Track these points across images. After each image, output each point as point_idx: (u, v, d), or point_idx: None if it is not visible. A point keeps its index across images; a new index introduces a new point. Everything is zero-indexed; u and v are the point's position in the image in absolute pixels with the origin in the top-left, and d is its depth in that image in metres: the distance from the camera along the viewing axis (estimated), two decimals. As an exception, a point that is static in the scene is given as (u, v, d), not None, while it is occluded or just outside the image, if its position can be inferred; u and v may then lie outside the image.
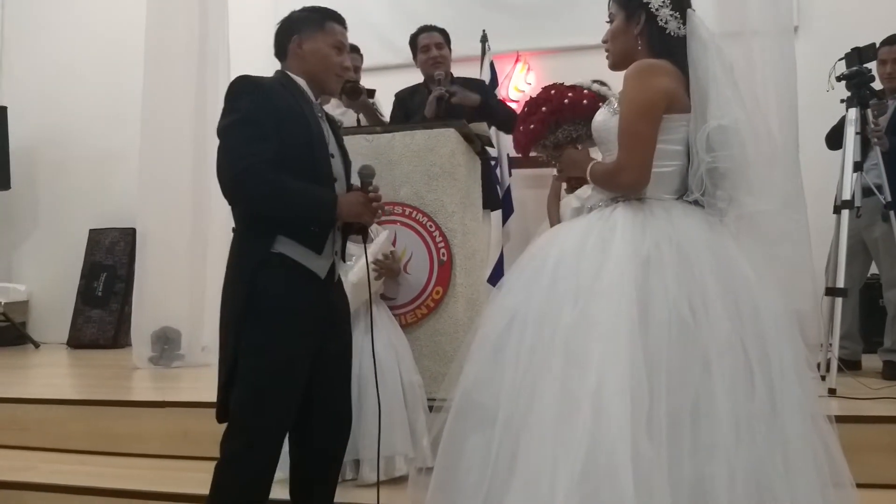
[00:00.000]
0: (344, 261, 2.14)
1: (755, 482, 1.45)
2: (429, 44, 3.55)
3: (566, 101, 1.89)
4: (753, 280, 1.63)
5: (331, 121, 2.15)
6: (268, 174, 1.86)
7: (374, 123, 3.41)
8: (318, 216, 1.94)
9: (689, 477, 1.42)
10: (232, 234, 2.01)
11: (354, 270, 2.59)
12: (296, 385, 1.93)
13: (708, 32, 1.77)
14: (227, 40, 4.32)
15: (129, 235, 5.59)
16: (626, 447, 1.38)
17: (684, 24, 1.78)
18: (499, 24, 4.95)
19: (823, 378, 3.07)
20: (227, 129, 1.91)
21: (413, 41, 3.64)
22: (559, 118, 1.90)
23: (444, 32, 3.62)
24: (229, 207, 1.99)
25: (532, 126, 1.91)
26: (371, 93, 3.41)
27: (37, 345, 5.51)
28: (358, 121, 3.47)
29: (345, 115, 3.46)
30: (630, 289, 1.55)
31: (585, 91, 1.93)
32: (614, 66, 1.89)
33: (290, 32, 2.06)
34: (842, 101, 3.43)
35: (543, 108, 1.90)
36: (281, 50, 2.08)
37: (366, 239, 2.16)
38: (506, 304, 1.73)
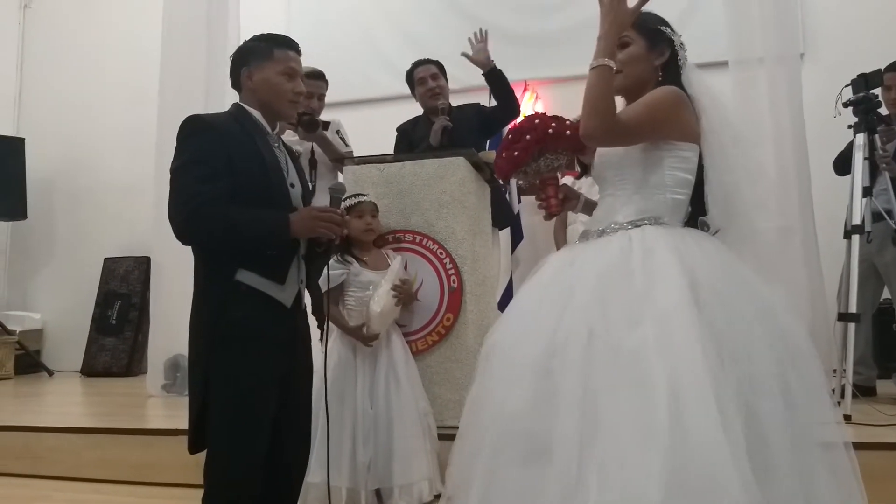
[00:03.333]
0: (308, 289, 2.16)
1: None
2: (425, 76, 3.64)
3: (550, 130, 1.90)
4: (777, 304, 1.64)
5: (289, 151, 2.16)
6: (216, 211, 1.88)
7: (333, 156, 3.48)
8: (272, 239, 1.95)
9: None
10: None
11: (376, 299, 2.62)
12: (267, 410, 1.95)
13: (695, 67, 1.86)
14: None
15: (143, 264, 5.66)
16: (728, 468, 1.35)
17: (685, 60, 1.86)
18: (507, 53, 4.99)
19: (838, 404, 3.04)
20: (178, 171, 1.93)
21: (409, 76, 3.72)
22: (542, 147, 1.91)
23: (438, 64, 3.71)
24: None
25: (515, 153, 1.92)
26: (326, 125, 3.46)
27: (51, 373, 5.55)
28: (312, 151, 3.50)
29: (302, 145, 3.48)
30: (692, 309, 1.52)
31: (568, 122, 1.94)
32: (625, 89, 1.88)
33: (240, 65, 2.07)
34: (849, 126, 3.44)
35: (527, 137, 1.91)
36: (235, 82, 2.10)
37: (329, 257, 2.20)
38: (538, 325, 1.66)
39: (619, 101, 1.87)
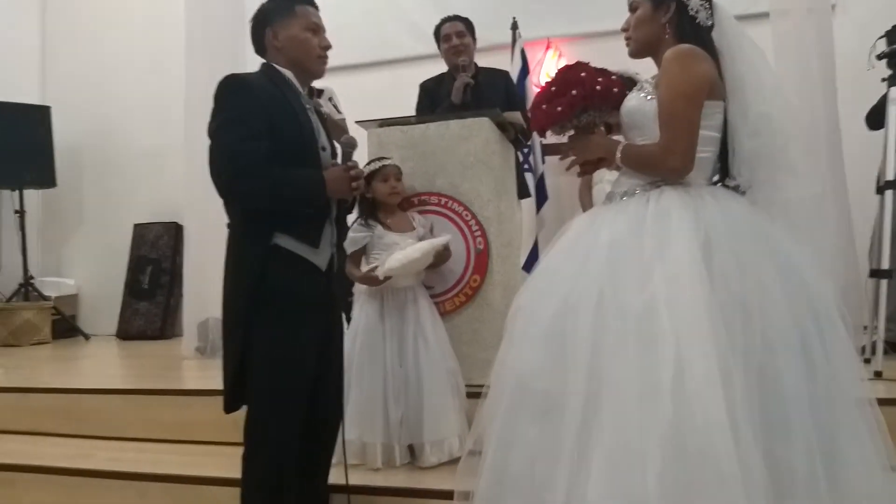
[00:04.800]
0: (342, 252, 2.21)
1: (827, 460, 1.47)
2: (450, 33, 3.61)
3: (598, 87, 1.84)
4: (803, 263, 1.63)
5: (318, 113, 2.17)
6: (260, 171, 1.90)
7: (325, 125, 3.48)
8: (311, 198, 1.99)
9: (766, 456, 1.43)
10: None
11: (398, 254, 2.63)
12: (308, 372, 2.02)
13: (736, 22, 1.80)
14: None
15: (172, 230, 5.75)
16: (724, 427, 1.38)
17: (711, 14, 1.80)
18: (529, 11, 4.94)
19: (868, 361, 3.03)
20: (219, 131, 1.95)
21: (437, 32, 3.70)
22: (587, 104, 1.85)
23: (466, 22, 3.66)
24: None
25: (559, 108, 1.85)
26: (319, 93, 3.46)
27: (87, 337, 5.70)
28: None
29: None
30: (701, 270, 1.54)
31: (613, 77, 1.89)
32: (636, 53, 1.90)
33: (262, 25, 2.07)
34: (883, 80, 3.36)
35: (574, 92, 1.83)
36: (259, 46, 2.10)
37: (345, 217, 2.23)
38: (554, 289, 1.70)
39: (642, 66, 1.85)
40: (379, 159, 2.82)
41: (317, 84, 3.46)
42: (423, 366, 2.62)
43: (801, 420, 1.47)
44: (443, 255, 2.78)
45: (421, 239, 2.77)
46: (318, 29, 2.08)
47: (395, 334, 2.67)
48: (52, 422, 3.30)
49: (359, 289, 2.77)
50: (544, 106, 1.87)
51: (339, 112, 3.66)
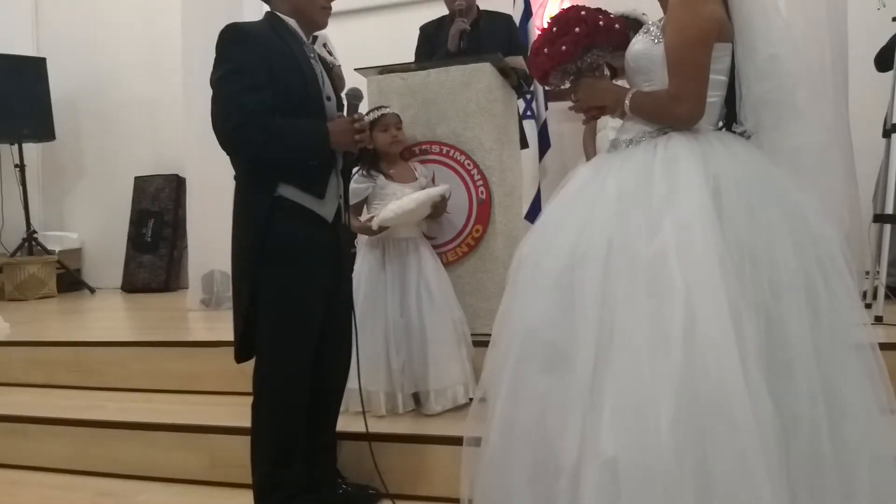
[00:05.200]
0: (348, 204, 2.18)
1: (829, 405, 1.47)
2: None
3: (601, 23, 1.77)
4: (809, 209, 1.62)
5: (324, 62, 2.15)
6: (262, 121, 1.90)
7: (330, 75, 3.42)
8: (315, 149, 1.98)
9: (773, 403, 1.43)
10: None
11: (395, 204, 2.61)
12: (316, 320, 2.04)
13: None
14: None
15: (172, 182, 5.72)
16: (737, 375, 1.37)
17: None
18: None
19: (869, 306, 3.04)
20: (221, 81, 1.93)
21: None
22: (591, 42, 1.77)
23: None
24: None
25: (563, 48, 1.77)
26: (313, 39, 3.39)
27: (92, 290, 5.74)
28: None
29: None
30: (712, 218, 1.52)
31: (613, 15, 1.82)
32: None
33: None
34: (893, 19, 3.28)
35: (577, 29, 1.76)
36: None
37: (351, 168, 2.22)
38: (561, 239, 1.68)
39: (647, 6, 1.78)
40: (378, 108, 2.78)
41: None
42: (426, 315, 2.63)
43: (804, 366, 1.47)
44: (440, 205, 2.75)
45: (423, 189, 2.75)
46: None
47: (398, 284, 2.67)
48: (61, 374, 3.36)
49: (361, 239, 2.77)
50: (546, 49, 1.80)
51: (332, 58, 3.59)
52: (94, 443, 2.80)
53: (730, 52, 1.71)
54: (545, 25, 1.86)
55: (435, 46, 3.53)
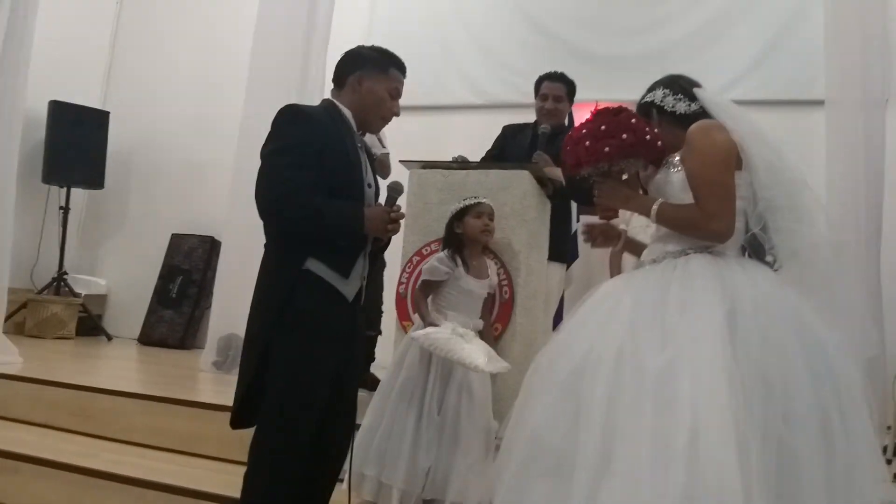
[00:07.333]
0: (366, 285, 2.18)
1: None
2: (547, 94, 3.54)
3: (647, 136, 1.82)
4: (829, 341, 1.61)
5: (368, 153, 2.25)
6: (303, 198, 1.97)
7: (384, 173, 3.55)
8: (348, 230, 2.03)
9: None
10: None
11: (477, 358, 2.45)
12: (320, 398, 2.02)
13: (722, 98, 1.88)
14: (325, 67, 4.42)
15: (207, 243, 5.85)
16: (738, 498, 1.35)
17: (693, 101, 1.87)
18: (582, 73, 4.97)
19: (889, 462, 2.94)
20: (270, 155, 2.03)
21: (537, 84, 3.62)
22: (633, 152, 1.82)
23: (569, 84, 3.58)
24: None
25: (606, 149, 1.80)
26: None
27: (109, 338, 5.78)
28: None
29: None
30: (723, 335, 1.53)
31: (657, 131, 1.87)
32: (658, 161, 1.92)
33: (354, 66, 2.16)
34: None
35: (624, 136, 1.79)
36: (340, 79, 2.18)
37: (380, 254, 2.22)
38: (575, 345, 1.70)
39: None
40: (473, 197, 2.79)
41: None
42: (463, 418, 2.49)
43: (814, 501, 1.43)
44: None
45: (492, 287, 2.76)
46: (397, 95, 2.19)
47: (440, 379, 2.54)
48: (63, 417, 3.35)
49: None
50: (588, 143, 1.83)
51: (383, 147, 3.73)
52: (83, 491, 2.75)
53: (746, 179, 1.77)
54: (589, 118, 1.89)
55: (506, 149, 3.60)
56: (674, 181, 1.81)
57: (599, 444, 1.52)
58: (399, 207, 2.12)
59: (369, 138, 3.55)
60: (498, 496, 1.66)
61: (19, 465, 2.88)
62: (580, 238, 4.66)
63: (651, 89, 1.96)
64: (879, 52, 3.59)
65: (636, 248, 2.03)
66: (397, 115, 2.21)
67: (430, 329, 2.53)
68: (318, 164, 2.00)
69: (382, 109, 2.16)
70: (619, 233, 2.06)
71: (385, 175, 3.64)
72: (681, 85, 1.91)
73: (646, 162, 1.89)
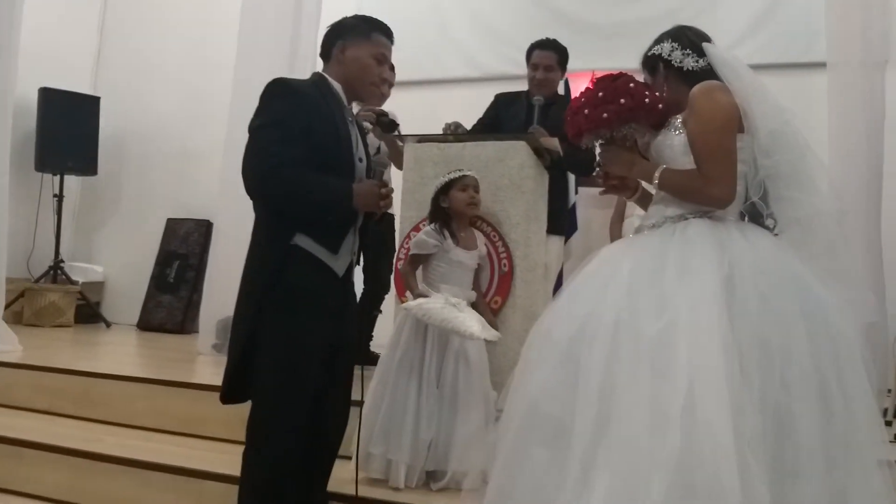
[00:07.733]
0: (359, 262, 2.18)
1: None
2: (538, 63, 3.50)
3: (646, 100, 1.80)
4: (828, 304, 1.60)
5: (360, 126, 2.21)
6: (290, 172, 1.93)
7: (397, 159, 3.39)
8: (337, 206, 2.00)
9: (776, 498, 1.39)
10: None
11: (472, 326, 2.46)
12: (314, 375, 2.01)
13: (731, 55, 1.83)
14: (316, 45, 4.41)
15: (203, 227, 5.83)
16: (731, 462, 1.35)
17: (701, 56, 1.83)
18: (577, 42, 4.91)
19: (889, 423, 2.95)
20: (258, 130, 2.00)
21: (528, 53, 3.57)
22: (633, 117, 1.80)
23: (560, 51, 3.51)
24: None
25: (605, 115, 1.79)
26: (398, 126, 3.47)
27: (108, 324, 5.77)
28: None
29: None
30: (720, 301, 1.53)
31: (658, 94, 1.85)
32: (667, 116, 1.88)
33: (336, 37, 2.13)
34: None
35: (622, 101, 1.78)
36: (326, 52, 2.15)
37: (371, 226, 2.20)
38: (573, 312, 1.70)
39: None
40: (458, 170, 2.77)
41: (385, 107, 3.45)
42: (461, 389, 2.49)
43: (812, 466, 1.44)
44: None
45: (481, 258, 2.75)
46: (384, 60, 2.15)
47: (437, 349, 2.54)
48: (65, 403, 3.34)
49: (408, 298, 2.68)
50: (587, 111, 1.82)
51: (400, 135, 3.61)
52: (87, 475, 2.76)
53: (748, 143, 1.74)
54: (589, 86, 1.87)
55: (499, 118, 3.57)
56: (675, 144, 1.79)
57: (596, 410, 1.53)
58: (388, 181, 2.09)
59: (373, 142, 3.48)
60: (496, 464, 1.67)
61: (23, 451, 2.88)
62: (578, 210, 4.68)
63: (658, 41, 1.91)
64: (879, 13, 3.55)
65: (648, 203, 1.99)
66: (387, 80, 2.16)
67: (422, 299, 2.53)
68: (307, 139, 1.97)
69: (370, 75, 2.11)
70: (637, 184, 1.99)
71: (399, 165, 3.49)
72: (689, 38, 1.87)
73: (647, 126, 1.86)
